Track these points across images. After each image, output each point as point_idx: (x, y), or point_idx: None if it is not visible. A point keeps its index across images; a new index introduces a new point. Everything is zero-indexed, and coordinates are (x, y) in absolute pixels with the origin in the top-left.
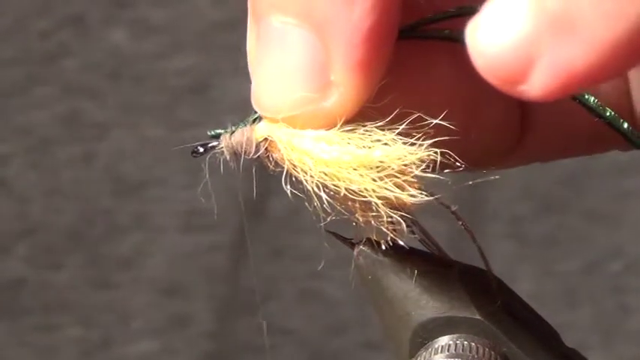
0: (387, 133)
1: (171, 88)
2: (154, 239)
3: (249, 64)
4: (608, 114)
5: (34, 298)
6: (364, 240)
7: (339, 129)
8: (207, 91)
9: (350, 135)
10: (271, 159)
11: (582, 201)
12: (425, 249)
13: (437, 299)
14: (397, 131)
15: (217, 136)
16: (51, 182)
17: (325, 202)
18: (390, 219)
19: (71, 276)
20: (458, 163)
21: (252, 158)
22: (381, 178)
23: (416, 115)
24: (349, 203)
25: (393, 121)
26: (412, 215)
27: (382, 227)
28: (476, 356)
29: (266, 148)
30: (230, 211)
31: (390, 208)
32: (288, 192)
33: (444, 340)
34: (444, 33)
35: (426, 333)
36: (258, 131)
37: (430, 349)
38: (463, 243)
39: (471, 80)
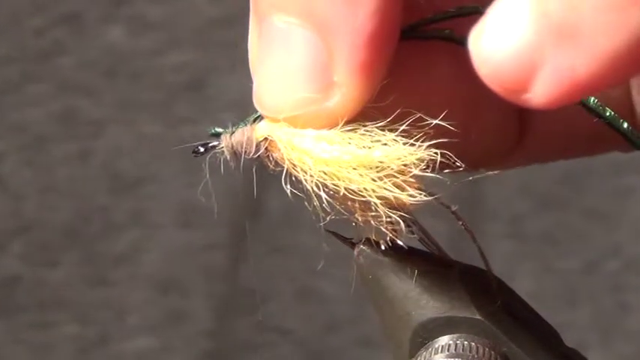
0: (387, 133)
1: (168, 85)
2: (151, 236)
3: (250, 63)
4: (607, 114)
5: (29, 295)
6: (364, 240)
7: (339, 129)
8: (204, 88)
9: (350, 135)
10: (271, 158)
11: (581, 199)
12: (425, 249)
13: (437, 299)
14: (397, 131)
15: (217, 135)
16: (46, 179)
17: (325, 201)
18: (389, 219)
19: (67, 273)
20: (457, 164)
21: (252, 158)
22: (380, 178)
23: (416, 116)
24: (349, 203)
25: (393, 121)
26: (412, 215)
27: (381, 227)
28: (476, 356)
29: (266, 148)
30: (228, 209)
31: (390, 208)
32: (288, 192)
33: (444, 340)
34: (444, 33)
35: (426, 333)
36: (259, 131)
37: (430, 349)
38: (463, 243)
39: (470, 81)
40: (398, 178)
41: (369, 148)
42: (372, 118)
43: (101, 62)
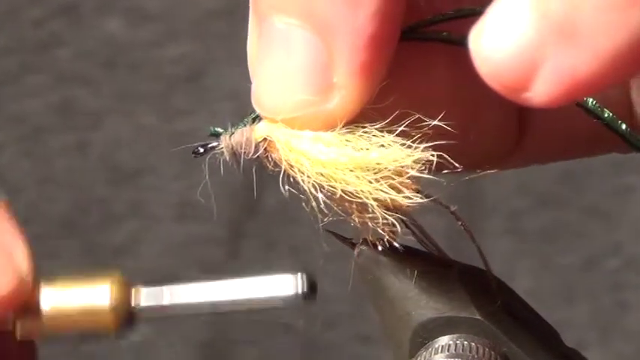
0: (385, 134)
1: (166, 77)
2: (149, 228)
3: (249, 63)
4: (606, 115)
5: None
6: (363, 240)
7: (337, 130)
8: (202, 79)
9: (348, 136)
10: (270, 159)
11: (581, 197)
12: (424, 249)
13: (437, 299)
14: (395, 133)
15: (217, 135)
16: (44, 171)
17: (322, 202)
18: (385, 221)
19: (65, 264)
20: (456, 165)
21: (251, 158)
22: (377, 180)
23: (415, 117)
24: (346, 204)
25: (392, 122)
26: (410, 216)
27: (378, 228)
28: (476, 356)
29: (265, 148)
30: (225, 203)
31: (387, 210)
32: (286, 193)
33: (444, 340)
34: (443, 35)
35: (426, 333)
36: (258, 131)
37: (430, 349)
38: (462, 241)
39: (469, 82)
40: (395, 179)
41: (366, 150)
42: (371, 119)
43: (99, 53)
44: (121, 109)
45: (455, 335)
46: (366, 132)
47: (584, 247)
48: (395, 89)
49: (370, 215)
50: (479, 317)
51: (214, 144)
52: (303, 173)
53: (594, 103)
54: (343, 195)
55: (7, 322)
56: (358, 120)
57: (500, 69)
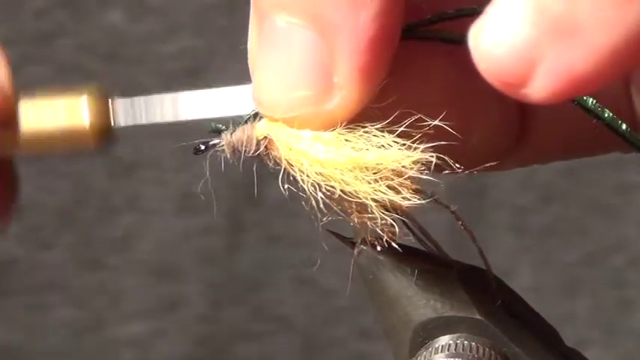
0: (385, 134)
1: (167, 70)
2: (148, 221)
3: (249, 62)
4: (606, 115)
5: (24, 277)
6: (363, 240)
7: (337, 130)
8: (203, 73)
9: (348, 136)
10: (271, 157)
11: (585, 192)
12: (424, 249)
13: (437, 299)
14: (395, 133)
15: (218, 131)
16: (43, 162)
17: (321, 202)
18: (384, 221)
19: (63, 256)
20: (456, 165)
21: (252, 155)
22: (376, 181)
23: (416, 117)
24: (345, 204)
25: (392, 122)
26: (409, 216)
27: (377, 229)
28: (476, 356)
29: (265, 146)
30: (225, 195)
31: (386, 210)
32: (286, 193)
33: (444, 340)
34: (443, 34)
35: (426, 332)
36: (259, 129)
37: (430, 349)
38: (464, 238)
39: (469, 82)
40: (394, 180)
41: (365, 150)
42: (371, 119)
43: (100, 46)
44: None
45: (455, 335)
46: (366, 132)
47: (588, 243)
48: (395, 89)
49: (369, 215)
50: (479, 317)
51: (215, 141)
52: (302, 172)
53: (594, 103)
54: (342, 195)
55: None
56: (358, 120)
57: (498, 65)
